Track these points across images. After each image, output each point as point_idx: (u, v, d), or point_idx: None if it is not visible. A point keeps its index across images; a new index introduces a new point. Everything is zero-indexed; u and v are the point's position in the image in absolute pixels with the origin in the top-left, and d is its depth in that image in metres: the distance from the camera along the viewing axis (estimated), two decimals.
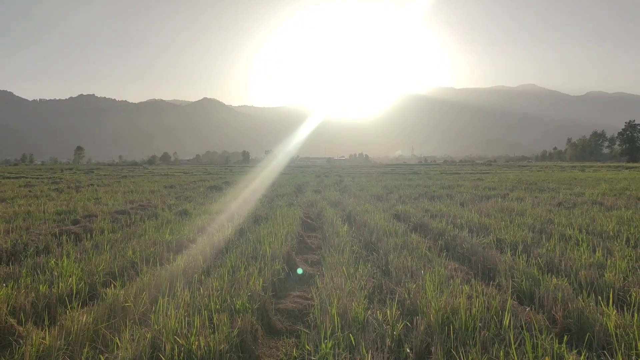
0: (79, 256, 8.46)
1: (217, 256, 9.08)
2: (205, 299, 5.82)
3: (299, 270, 7.63)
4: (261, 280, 6.56)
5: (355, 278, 6.93)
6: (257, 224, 12.91)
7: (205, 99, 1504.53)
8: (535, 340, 4.52)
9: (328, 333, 4.89)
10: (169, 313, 5.09)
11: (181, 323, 4.92)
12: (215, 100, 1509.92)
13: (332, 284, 6.44)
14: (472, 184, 29.97)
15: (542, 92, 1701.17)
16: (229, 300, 5.76)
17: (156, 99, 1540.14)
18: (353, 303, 5.55)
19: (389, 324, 5.19)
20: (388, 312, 5.43)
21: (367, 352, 4.53)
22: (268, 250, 8.57)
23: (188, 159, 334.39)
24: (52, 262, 7.77)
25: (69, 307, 5.74)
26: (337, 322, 5.08)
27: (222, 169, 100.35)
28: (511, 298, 5.82)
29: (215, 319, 5.09)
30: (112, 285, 6.51)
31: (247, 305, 5.64)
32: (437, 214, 14.40)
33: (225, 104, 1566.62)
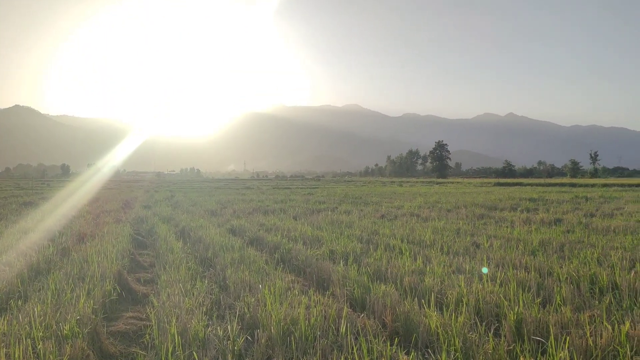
0: None
1: (37, 278, 8.26)
2: (26, 326, 5.26)
3: (484, 270, 7.51)
4: (91, 302, 6.11)
5: (193, 295, 6.78)
6: (83, 243, 11.99)
7: (17, 106, 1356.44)
8: (370, 345, 4.83)
9: (169, 352, 4.72)
10: None
11: None
12: (29, 108, 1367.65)
13: (169, 302, 6.22)
14: (304, 198, 31.02)
15: (365, 112, 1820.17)
16: (55, 326, 5.27)
17: None
18: (193, 320, 5.42)
19: (229, 340, 5.17)
20: (228, 327, 5.39)
21: None
22: (97, 270, 8.02)
23: None
24: None
25: None
26: (178, 340, 4.93)
27: (38, 183, 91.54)
28: (346, 306, 6.13)
29: (39, 347, 4.64)
30: None
31: (77, 330, 5.22)
32: (272, 228, 14.66)
33: (42, 112, 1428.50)
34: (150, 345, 5.36)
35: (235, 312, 6.06)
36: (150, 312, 6.13)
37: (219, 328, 5.42)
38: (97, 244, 11.00)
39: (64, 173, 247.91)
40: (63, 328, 5.22)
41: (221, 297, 7.01)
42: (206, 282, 7.86)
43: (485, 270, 8.10)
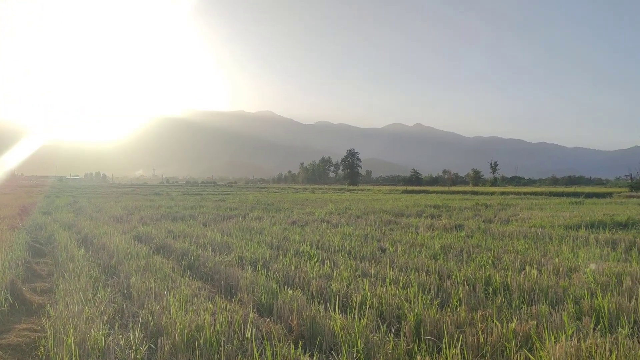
0: None
1: None
2: None
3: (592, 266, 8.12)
4: None
5: (94, 304, 6.53)
6: None
7: None
8: (275, 349, 4.88)
9: None
10: None
11: None
12: None
13: (67, 311, 5.95)
14: (215, 205, 30.60)
15: (278, 119, 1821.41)
16: None
17: None
18: (92, 330, 5.24)
19: (131, 348, 5.04)
20: (131, 335, 5.26)
21: None
22: None
23: None
24: None
25: None
26: (75, 351, 4.74)
27: None
28: (252, 311, 6.14)
29: None
30: None
31: None
32: (181, 235, 14.39)
33: None
34: (45, 357, 5.13)
35: (139, 321, 5.90)
36: (46, 323, 5.84)
37: (121, 337, 5.27)
38: None
39: None
40: None
41: (125, 305, 6.81)
42: (109, 290, 7.59)
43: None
